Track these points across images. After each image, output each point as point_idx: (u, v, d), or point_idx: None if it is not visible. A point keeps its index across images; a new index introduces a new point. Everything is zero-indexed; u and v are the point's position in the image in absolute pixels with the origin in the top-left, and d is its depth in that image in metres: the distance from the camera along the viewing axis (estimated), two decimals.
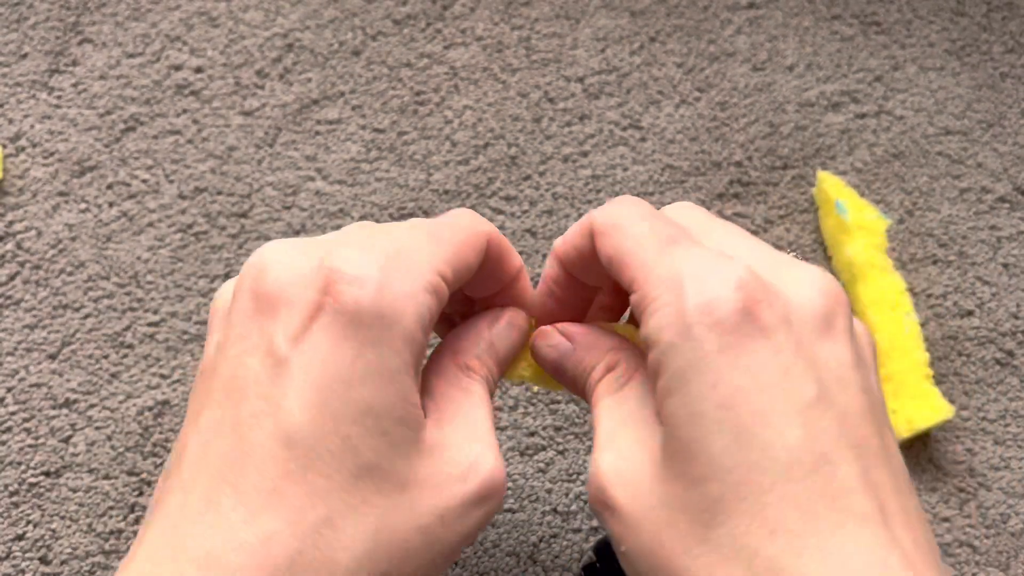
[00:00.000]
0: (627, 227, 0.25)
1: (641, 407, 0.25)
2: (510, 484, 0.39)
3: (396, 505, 0.24)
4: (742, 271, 0.23)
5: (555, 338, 0.29)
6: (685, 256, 0.24)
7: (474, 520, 0.25)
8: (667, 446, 0.23)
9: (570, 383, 0.29)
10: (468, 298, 0.31)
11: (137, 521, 0.38)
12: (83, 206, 0.44)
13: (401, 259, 0.24)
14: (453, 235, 0.27)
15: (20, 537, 0.38)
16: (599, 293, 0.30)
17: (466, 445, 0.25)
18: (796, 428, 0.21)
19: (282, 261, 0.24)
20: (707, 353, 0.22)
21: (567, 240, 0.28)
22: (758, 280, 0.23)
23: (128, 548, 0.38)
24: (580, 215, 0.45)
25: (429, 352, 0.27)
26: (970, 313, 0.43)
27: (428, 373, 0.27)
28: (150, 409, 0.40)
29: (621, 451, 0.24)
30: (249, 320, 0.24)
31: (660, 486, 0.23)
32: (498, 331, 0.29)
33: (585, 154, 0.47)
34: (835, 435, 0.22)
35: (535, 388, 0.41)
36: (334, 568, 0.22)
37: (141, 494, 0.39)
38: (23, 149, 0.46)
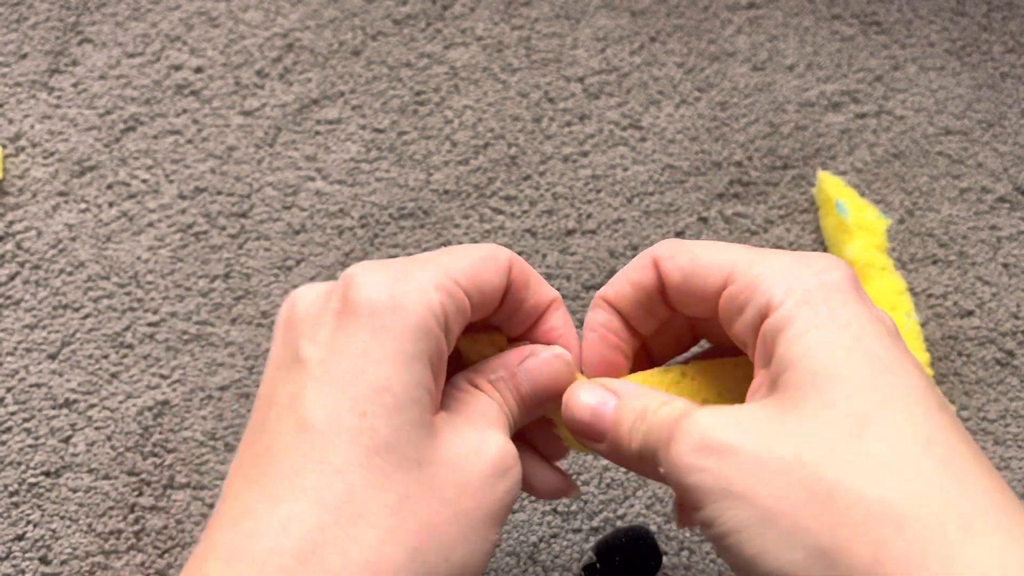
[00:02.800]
0: (697, 247, 0.27)
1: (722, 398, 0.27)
2: None
3: (417, 480, 0.24)
4: (835, 257, 0.26)
5: (595, 391, 0.27)
6: (778, 253, 0.26)
7: (498, 493, 0.25)
8: (787, 390, 0.23)
9: (610, 445, 0.26)
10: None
11: (137, 521, 0.38)
12: (83, 206, 0.44)
13: (413, 265, 0.26)
14: (469, 252, 0.27)
15: (20, 537, 0.38)
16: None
17: (474, 430, 0.26)
18: (923, 374, 0.24)
19: (304, 290, 0.26)
20: (835, 305, 0.24)
21: (622, 280, 0.28)
22: (847, 264, 0.26)
23: (128, 548, 0.38)
24: (580, 215, 0.45)
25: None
26: (970, 313, 0.43)
27: (444, 386, 0.27)
28: (150, 409, 0.40)
29: (719, 410, 0.24)
30: (281, 345, 0.26)
31: (784, 419, 0.23)
32: (527, 364, 0.27)
33: (585, 154, 0.47)
34: (933, 388, 0.24)
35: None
36: (361, 543, 0.23)
37: (141, 494, 0.39)
38: (23, 149, 0.46)
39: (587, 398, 0.27)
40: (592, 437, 0.27)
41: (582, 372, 0.29)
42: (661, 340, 0.30)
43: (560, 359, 0.28)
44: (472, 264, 0.26)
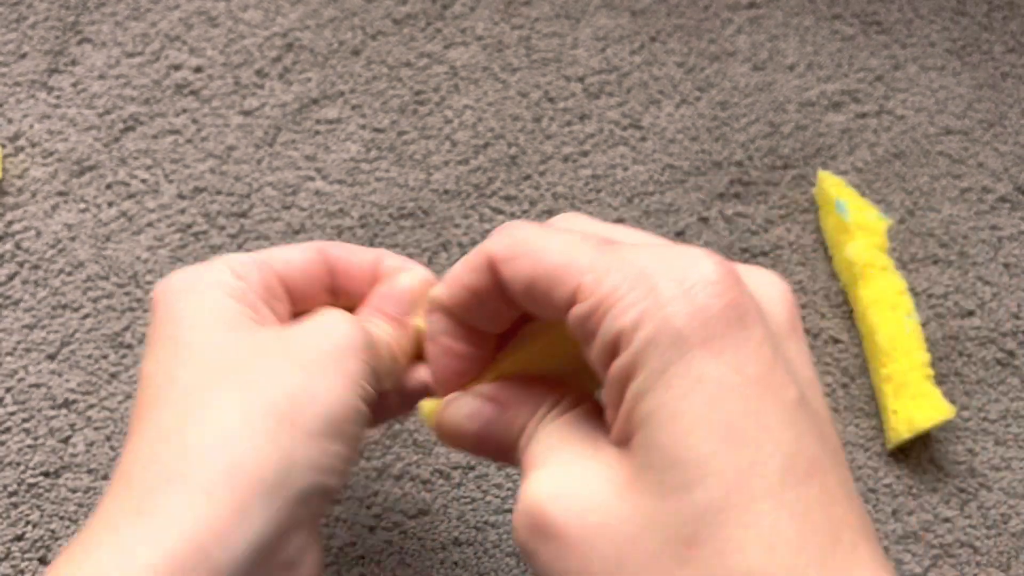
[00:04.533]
0: (540, 243, 0.22)
1: (585, 430, 0.22)
2: (510, 484, 0.39)
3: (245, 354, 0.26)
4: (715, 260, 0.21)
5: (472, 403, 0.25)
6: (639, 251, 0.21)
7: (335, 334, 0.27)
8: (638, 455, 0.20)
9: (495, 451, 0.24)
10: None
11: None
12: (82, 206, 0.44)
13: (201, 266, 0.30)
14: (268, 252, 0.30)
15: (19, 537, 0.37)
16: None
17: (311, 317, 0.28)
18: (787, 430, 0.19)
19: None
20: (691, 346, 0.19)
21: (454, 283, 0.24)
22: (733, 269, 0.21)
23: None
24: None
25: None
26: (971, 313, 0.43)
27: None
28: None
29: (562, 471, 0.21)
30: None
31: (622, 503, 0.20)
32: (379, 290, 0.31)
33: (585, 154, 0.47)
34: (819, 440, 0.20)
35: None
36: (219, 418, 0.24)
37: None
38: (22, 149, 0.46)
39: (466, 412, 0.25)
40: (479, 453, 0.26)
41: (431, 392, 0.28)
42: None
43: (406, 274, 0.31)
44: (267, 251, 0.30)
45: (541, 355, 0.25)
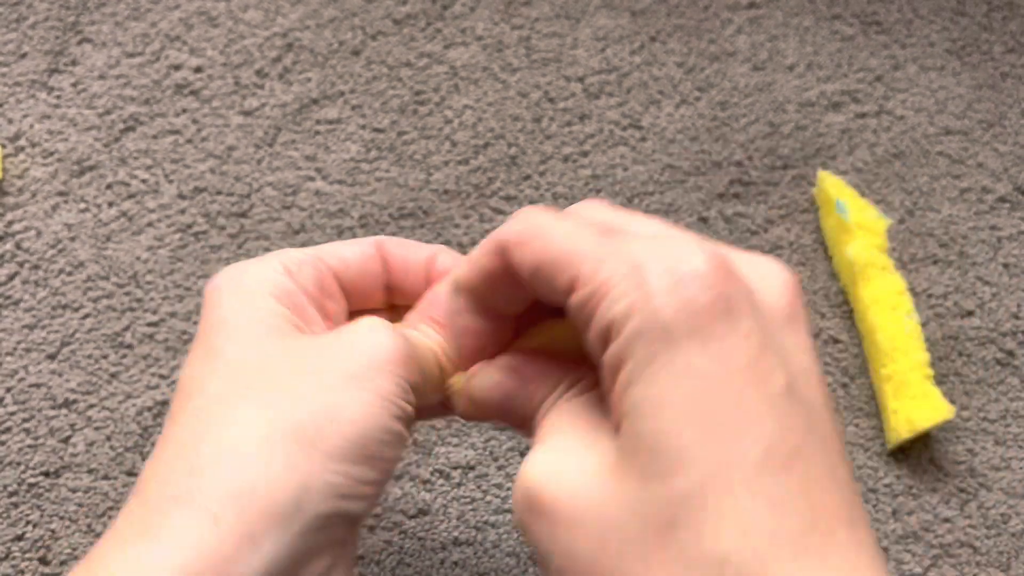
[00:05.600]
0: (548, 230, 0.23)
1: (591, 413, 0.23)
2: (510, 484, 0.39)
3: (270, 369, 0.25)
4: (707, 252, 0.21)
5: (496, 375, 0.26)
6: (635, 242, 0.22)
7: (362, 345, 0.25)
8: (625, 442, 0.21)
9: (516, 422, 0.26)
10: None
11: None
12: (82, 206, 0.44)
13: (253, 262, 0.28)
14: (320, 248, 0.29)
15: (20, 537, 0.37)
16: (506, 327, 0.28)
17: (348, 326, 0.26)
18: (769, 420, 0.20)
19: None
20: (676, 338, 0.20)
21: (471, 265, 0.25)
22: (725, 261, 0.21)
23: None
24: None
25: None
26: (971, 313, 0.43)
27: None
28: (149, 409, 0.40)
29: (560, 451, 0.22)
30: None
31: (609, 486, 0.20)
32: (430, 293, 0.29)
33: (585, 154, 0.47)
34: (804, 429, 0.20)
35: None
36: (239, 425, 0.23)
37: None
38: (23, 149, 0.46)
39: (490, 381, 0.26)
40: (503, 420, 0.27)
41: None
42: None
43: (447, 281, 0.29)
44: (324, 246, 0.29)
45: (562, 337, 0.26)
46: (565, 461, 0.22)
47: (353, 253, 0.29)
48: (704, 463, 0.19)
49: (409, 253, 0.29)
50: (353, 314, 0.29)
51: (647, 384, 0.20)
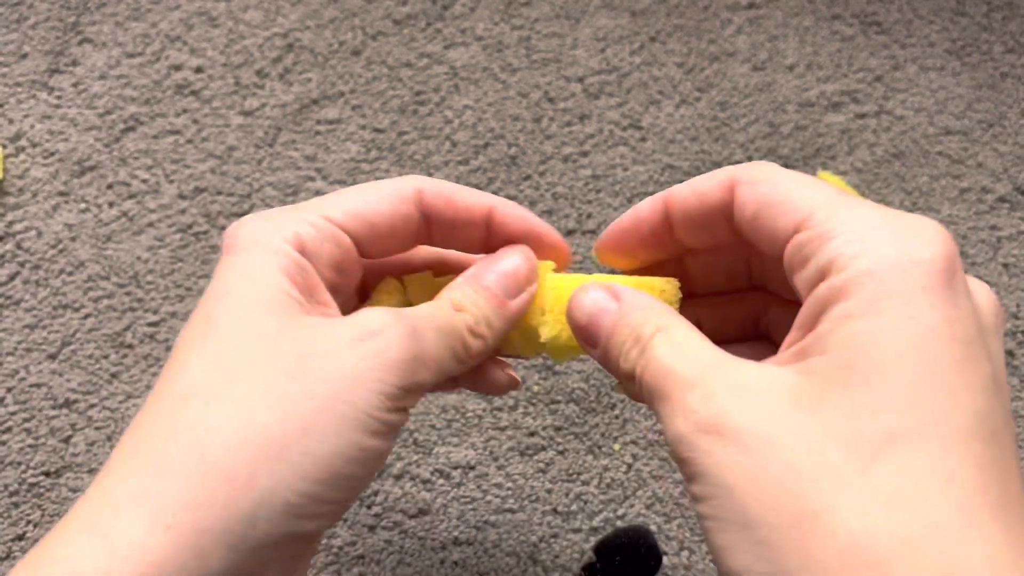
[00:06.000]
0: (784, 176, 0.24)
1: (723, 352, 0.23)
2: (510, 484, 0.39)
3: (272, 354, 0.24)
4: (938, 224, 0.22)
5: (601, 294, 0.26)
6: (872, 207, 0.23)
7: (363, 352, 0.24)
8: (830, 373, 0.21)
9: (602, 351, 0.26)
10: None
11: None
12: (83, 206, 0.44)
13: (293, 208, 0.27)
14: (365, 189, 0.27)
15: (20, 537, 0.38)
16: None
17: (353, 315, 0.25)
18: (981, 396, 0.20)
19: None
20: (911, 287, 0.21)
21: (690, 189, 0.26)
22: (951, 237, 0.22)
23: None
24: (580, 215, 0.45)
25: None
26: None
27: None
28: None
29: (734, 381, 0.22)
30: None
31: (803, 415, 0.20)
32: (475, 269, 0.28)
33: (585, 154, 0.47)
34: (1003, 419, 0.21)
35: (535, 389, 0.41)
36: (226, 411, 0.23)
37: None
38: (23, 149, 0.46)
39: (587, 302, 0.26)
40: (588, 342, 0.26)
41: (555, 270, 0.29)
42: (704, 267, 0.29)
43: (519, 255, 0.28)
44: (358, 199, 0.27)
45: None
46: (747, 390, 0.22)
47: (384, 209, 0.27)
48: (920, 410, 0.20)
49: (457, 200, 0.28)
50: (372, 274, 0.28)
51: (872, 320, 0.20)
